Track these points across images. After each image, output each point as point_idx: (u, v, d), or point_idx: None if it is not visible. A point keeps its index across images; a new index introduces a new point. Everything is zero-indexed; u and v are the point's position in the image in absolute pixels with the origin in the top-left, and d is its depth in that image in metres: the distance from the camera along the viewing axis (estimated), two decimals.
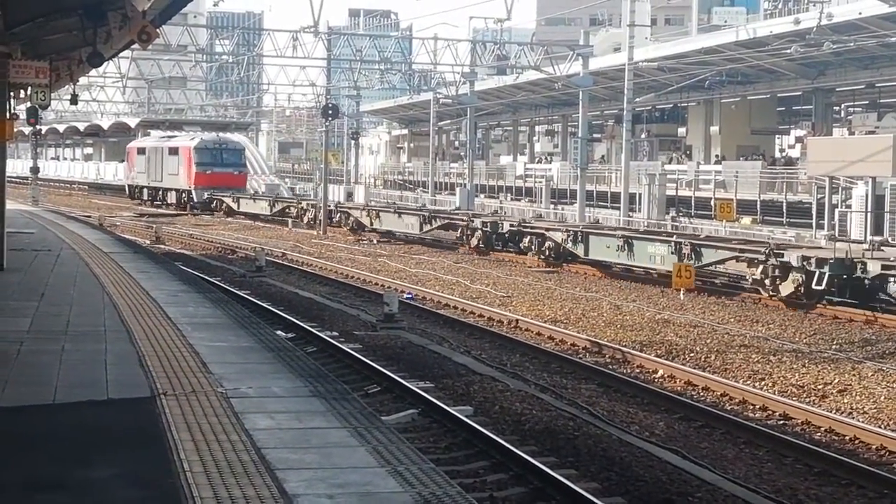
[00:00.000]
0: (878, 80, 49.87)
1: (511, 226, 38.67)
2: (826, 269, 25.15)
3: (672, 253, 30.21)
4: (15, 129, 28.97)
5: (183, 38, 59.36)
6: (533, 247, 36.62)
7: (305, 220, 53.41)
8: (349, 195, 64.27)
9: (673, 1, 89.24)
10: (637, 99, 50.91)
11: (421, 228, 43.85)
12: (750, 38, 47.94)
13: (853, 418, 15.22)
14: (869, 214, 34.45)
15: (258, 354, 12.90)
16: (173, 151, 69.59)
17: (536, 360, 19.21)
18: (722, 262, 29.90)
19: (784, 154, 59.83)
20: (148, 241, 40.22)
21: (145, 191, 74.81)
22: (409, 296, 27.34)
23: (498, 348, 20.42)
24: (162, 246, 39.81)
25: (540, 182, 61.65)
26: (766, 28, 48.73)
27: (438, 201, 62.02)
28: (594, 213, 49.62)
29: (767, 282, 26.94)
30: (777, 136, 66.08)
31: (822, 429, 14.70)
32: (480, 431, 12.98)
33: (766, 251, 27.05)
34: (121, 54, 35.77)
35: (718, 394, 16.73)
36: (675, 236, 31.81)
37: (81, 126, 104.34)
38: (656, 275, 31.53)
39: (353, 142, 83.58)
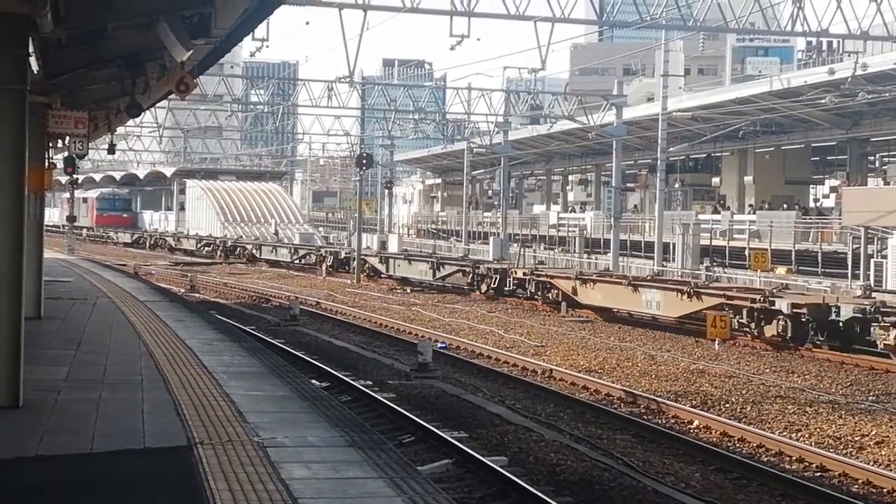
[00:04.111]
0: None
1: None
2: None
3: None
4: (53, 178, 29.24)
5: (219, 87, 59.91)
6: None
7: (150, 244, 77.36)
8: (383, 244, 64.51)
9: (706, 51, 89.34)
10: (671, 148, 50.98)
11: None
12: (784, 89, 47.95)
13: (891, 471, 15.08)
14: None
15: (294, 403, 12.92)
16: (85, 200, 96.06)
17: (571, 410, 19.13)
18: None
19: (819, 204, 59.69)
20: (183, 290, 40.35)
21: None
22: (443, 345, 27.31)
23: (532, 398, 20.36)
24: (197, 294, 39.95)
25: (573, 231, 61.64)
26: (801, 78, 48.74)
27: (472, 250, 61.97)
28: (628, 263, 49.53)
29: None
30: (811, 185, 65.92)
31: (860, 481, 14.57)
32: (515, 482, 12.94)
33: None
34: (158, 104, 36.06)
35: (755, 445, 16.61)
36: None
37: (118, 175, 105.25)
38: None
39: (386, 191, 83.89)
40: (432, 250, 62.54)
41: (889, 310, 25.24)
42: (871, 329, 25.08)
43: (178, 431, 10.96)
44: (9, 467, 9.48)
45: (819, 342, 26.63)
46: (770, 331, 27.60)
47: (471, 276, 42.65)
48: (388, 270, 48.89)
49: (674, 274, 42.00)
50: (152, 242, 79.91)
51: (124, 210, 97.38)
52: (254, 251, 64.74)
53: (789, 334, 27.03)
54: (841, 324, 26.13)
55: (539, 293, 37.74)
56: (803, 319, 26.74)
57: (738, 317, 28.61)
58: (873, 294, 28.77)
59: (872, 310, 25.41)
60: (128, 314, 23.16)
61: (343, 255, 54.50)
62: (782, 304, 27.21)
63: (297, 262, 58.84)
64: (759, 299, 28.08)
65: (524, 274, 39.02)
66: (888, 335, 24.43)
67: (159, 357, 16.30)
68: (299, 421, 11.81)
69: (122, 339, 18.62)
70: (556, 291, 36.75)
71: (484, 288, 41.40)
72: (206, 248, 70.39)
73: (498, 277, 40.51)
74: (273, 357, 17.45)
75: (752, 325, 28.12)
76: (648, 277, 36.85)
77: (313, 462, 9.86)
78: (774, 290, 29.56)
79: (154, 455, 10.08)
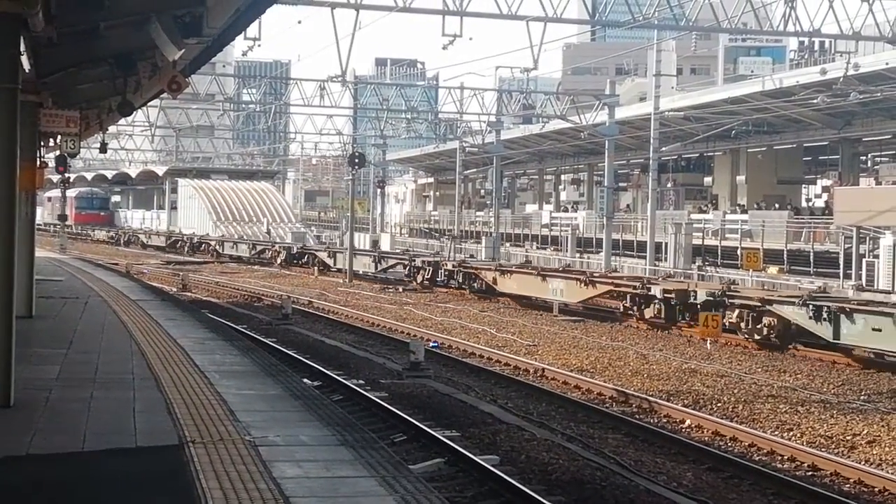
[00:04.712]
0: None
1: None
2: None
3: None
4: (44, 177, 29.19)
5: (211, 86, 59.89)
6: None
7: (124, 241, 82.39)
8: (375, 243, 64.68)
9: (699, 51, 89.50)
10: (663, 148, 50.94)
11: None
12: (776, 88, 47.94)
13: (882, 470, 15.11)
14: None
15: (285, 402, 12.91)
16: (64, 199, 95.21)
17: (563, 410, 19.15)
18: None
19: (811, 204, 59.75)
20: (175, 289, 40.32)
21: (52, 227, 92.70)
22: (435, 344, 27.32)
23: (524, 397, 20.37)
24: (189, 293, 39.90)
25: (565, 231, 61.61)
26: (793, 78, 48.73)
27: (464, 249, 61.95)
28: (619, 263, 49.53)
29: None
30: (804, 185, 65.96)
31: (852, 480, 14.60)
32: (507, 481, 12.94)
33: None
34: (149, 103, 36.02)
35: (746, 444, 16.63)
36: None
37: (109, 174, 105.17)
38: None
39: (379, 190, 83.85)
40: (423, 249, 62.63)
41: (733, 293, 28.80)
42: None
43: (170, 430, 10.95)
44: (0, 466, 9.46)
45: (687, 322, 29.95)
46: (649, 313, 31.29)
47: (408, 268, 46.82)
48: (335, 264, 53.18)
49: (666, 273, 42.07)
50: (126, 239, 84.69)
51: (101, 208, 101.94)
52: (216, 247, 68.67)
53: (663, 315, 30.64)
54: (698, 305, 29.14)
55: (466, 283, 42.00)
56: (672, 303, 30.25)
57: (623, 301, 33.30)
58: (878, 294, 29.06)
59: (720, 294, 28.81)
60: (119, 313, 23.13)
61: (295, 250, 59.31)
62: (657, 290, 31.01)
63: (256, 257, 63.26)
64: (639, 286, 31.92)
65: (453, 266, 43.51)
66: (733, 314, 28.26)
67: (151, 356, 16.28)
68: (291, 420, 11.79)
69: (114, 338, 18.59)
70: (480, 281, 40.80)
71: (420, 279, 45.41)
72: (176, 245, 74.84)
73: (431, 269, 44.89)
74: (265, 356, 17.43)
75: (636, 308, 32.11)
76: (560, 269, 39.90)
77: (305, 461, 9.85)
78: (651, 278, 34.09)
79: (146, 454, 10.06)
